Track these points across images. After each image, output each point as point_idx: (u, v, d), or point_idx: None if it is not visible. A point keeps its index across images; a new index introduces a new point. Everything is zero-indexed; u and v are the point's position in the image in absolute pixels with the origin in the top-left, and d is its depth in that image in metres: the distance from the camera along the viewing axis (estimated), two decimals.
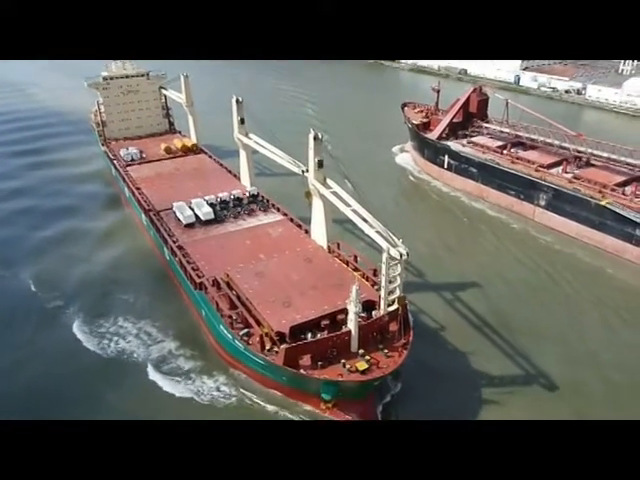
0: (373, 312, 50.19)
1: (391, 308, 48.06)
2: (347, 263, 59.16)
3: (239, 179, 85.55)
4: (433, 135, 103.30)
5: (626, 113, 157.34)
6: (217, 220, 71.65)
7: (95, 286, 69.36)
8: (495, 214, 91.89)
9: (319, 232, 63.82)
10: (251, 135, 78.04)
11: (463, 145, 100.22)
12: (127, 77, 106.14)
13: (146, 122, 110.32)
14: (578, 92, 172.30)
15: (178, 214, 71.94)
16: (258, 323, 49.79)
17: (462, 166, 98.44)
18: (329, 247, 62.65)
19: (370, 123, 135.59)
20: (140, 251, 78.11)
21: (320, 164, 58.03)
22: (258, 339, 47.77)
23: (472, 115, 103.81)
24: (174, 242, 66.18)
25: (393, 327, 48.54)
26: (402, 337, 47.64)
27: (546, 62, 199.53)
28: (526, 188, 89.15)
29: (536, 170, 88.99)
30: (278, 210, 75.11)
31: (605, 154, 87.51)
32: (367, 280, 55.91)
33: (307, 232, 67.41)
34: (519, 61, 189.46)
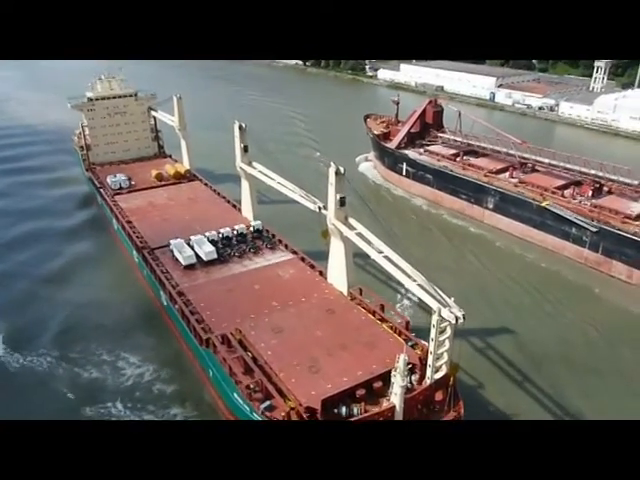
0: (412, 377, 45.31)
1: (437, 375, 43.93)
2: (373, 313, 54.88)
3: (239, 210, 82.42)
4: (392, 144, 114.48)
5: (597, 129, 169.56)
6: (220, 260, 67.26)
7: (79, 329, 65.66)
8: (449, 218, 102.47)
9: (338, 276, 59.84)
10: (255, 164, 74.86)
11: (420, 153, 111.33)
12: (114, 98, 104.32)
13: (134, 145, 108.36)
14: (551, 109, 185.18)
15: (176, 253, 67.35)
16: (281, 393, 44.07)
17: (419, 173, 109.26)
18: (350, 293, 58.51)
19: (340, 134, 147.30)
20: (131, 291, 74.83)
21: (342, 202, 54.63)
22: (283, 415, 41.73)
23: (428, 125, 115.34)
24: (173, 287, 61.10)
25: (439, 396, 44.54)
26: (451, 409, 43.83)
27: (520, 79, 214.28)
28: (476, 192, 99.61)
29: (485, 176, 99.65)
30: (286, 247, 70.92)
31: (546, 160, 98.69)
32: (399, 335, 51.11)
33: (322, 274, 63.32)
34: (494, 78, 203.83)
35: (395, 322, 53.10)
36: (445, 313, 40.38)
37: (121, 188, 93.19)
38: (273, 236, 73.67)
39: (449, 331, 41.81)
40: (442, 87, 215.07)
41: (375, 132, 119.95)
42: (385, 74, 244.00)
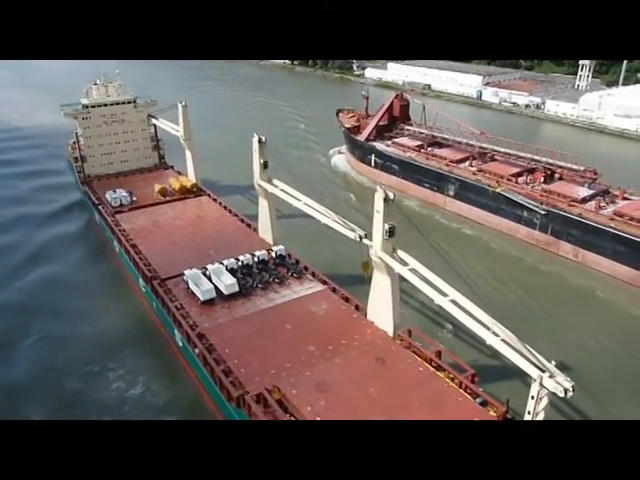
0: None
1: None
2: (430, 361, 50.00)
3: (254, 229, 79.06)
4: (362, 137, 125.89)
5: (583, 127, 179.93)
6: (242, 292, 61.91)
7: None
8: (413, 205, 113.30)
9: (382, 315, 55.37)
10: (276, 182, 70.71)
11: (387, 145, 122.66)
12: (111, 104, 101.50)
13: (133, 156, 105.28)
14: (537, 107, 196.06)
15: (192, 286, 61.90)
16: None
17: (386, 164, 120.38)
18: (399, 336, 53.92)
19: (324, 129, 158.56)
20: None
21: (391, 232, 50.39)
22: None
23: (395, 118, 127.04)
24: (192, 327, 55.95)
25: None
26: None
27: (507, 77, 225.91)
28: (438, 181, 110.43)
29: (447, 165, 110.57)
30: (314, 275, 65.93)
31: (503, 149, 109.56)
32: (465, 389, 46.28)
33: (358, 308, 58.96)
34: (480, 76, 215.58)
35: (456, 373, 47.98)
36: (549, 383, 36.17)
37: (122, 205, 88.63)
38: (297, 262, 68.73)
39: (546, 401, 37.59)
40: (429, 85, 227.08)
41: (346, 125, 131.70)
42: (373, 73, 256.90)
